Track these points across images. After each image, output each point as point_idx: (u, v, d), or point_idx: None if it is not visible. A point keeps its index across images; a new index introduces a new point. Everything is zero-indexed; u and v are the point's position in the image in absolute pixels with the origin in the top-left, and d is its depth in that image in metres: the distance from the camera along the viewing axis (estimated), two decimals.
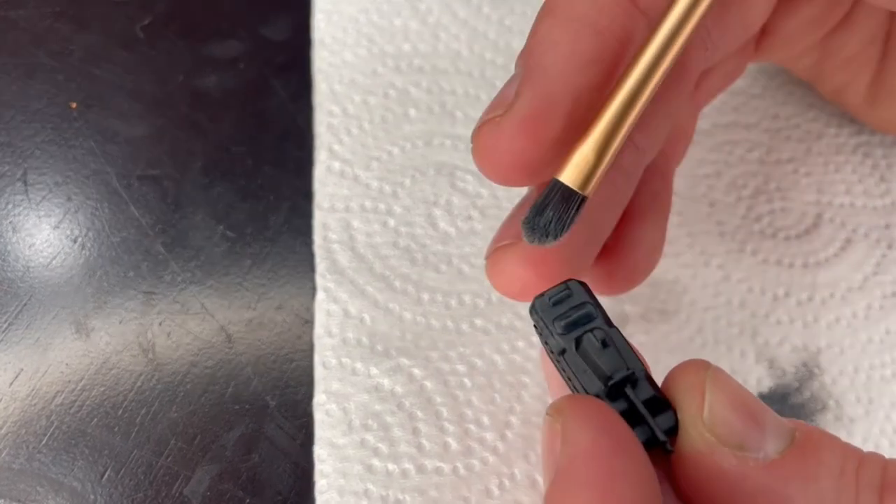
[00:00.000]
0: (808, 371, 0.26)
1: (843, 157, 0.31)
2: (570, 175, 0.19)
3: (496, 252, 0.21)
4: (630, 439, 0.16)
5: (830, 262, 0.28)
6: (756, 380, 0.26)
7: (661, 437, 0.17)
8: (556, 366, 0.19)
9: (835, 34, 0.26)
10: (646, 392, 0.18)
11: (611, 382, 0.18)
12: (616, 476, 0.15)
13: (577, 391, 0.18)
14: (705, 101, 0.26)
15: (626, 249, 0.22)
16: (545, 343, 0.19)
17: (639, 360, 0.18)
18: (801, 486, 0.16)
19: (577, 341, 0.18)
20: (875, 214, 0.29)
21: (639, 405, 0.17)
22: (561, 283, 0.19)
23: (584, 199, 0.19)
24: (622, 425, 0.17)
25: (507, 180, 0.19)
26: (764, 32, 0.25)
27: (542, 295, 0.19)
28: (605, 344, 0.18)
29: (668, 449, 0.17)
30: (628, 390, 0.18)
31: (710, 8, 0.19)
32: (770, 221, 0.29)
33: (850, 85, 0.28)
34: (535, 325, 0.20)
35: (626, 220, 0.22)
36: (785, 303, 0.27)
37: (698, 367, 0.18)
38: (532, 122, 0.18)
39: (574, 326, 0.18)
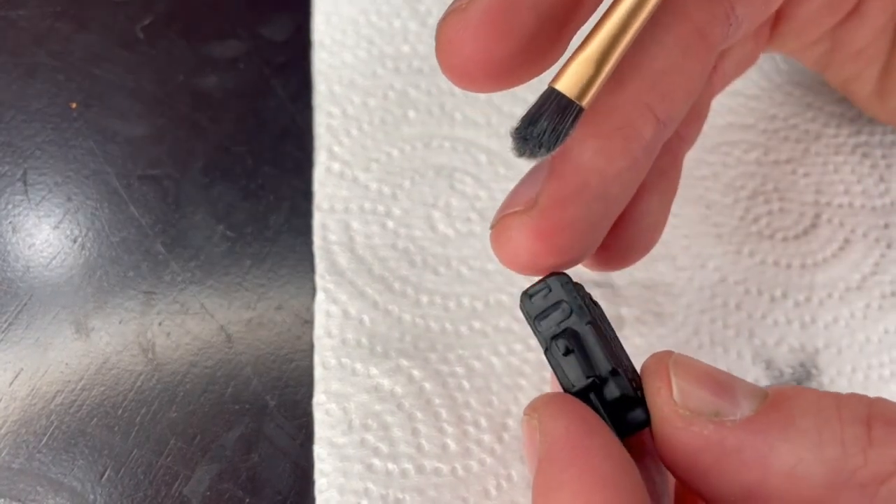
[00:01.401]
0: (806, 372, 0.26)
1: (842, 158, 0.31)
2: (567, 83, 0.18)
3: (504, 219, 0.19)
4: (599, 423, 0.17)
5: (829, 263, 0.28)
6: (753, 381, 0.26)
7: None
8: None
9: (845, 24, 0.26)
10: (612, 393, 0.18)
11: (574, 390, 0.18)
12: (591, 453, 0.16)
13: (561, 382, 0.19)
14: (720, 86, 0.26)
15: (627, 224, 0.22)
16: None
17: (609, 359, 0.18)
18: (780, 432, 0.17)
19: (548, 346, 0.19)
20: (874, 214, 0.29)
21: (600, 410, 0.18)
22: (541, 280, 0.19)
23: (581, 109, 0.18)
24: (591, 412, 0.17)
25: (471, 80, 0.18)
26: (779, 17, 0.25)
27: (526, 290, 0.19)
28: (567, 351, 0.18)
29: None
30: (592, 396, 0.18)
31: None
32: (768, 222, 0.29)
33: (859, 77, 0.28)
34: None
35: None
36: (782, 304, 0.27)
37: (660, 356, 0.18)
38: (500, 10, 0.17)
39: (549, 327, 0.19)
